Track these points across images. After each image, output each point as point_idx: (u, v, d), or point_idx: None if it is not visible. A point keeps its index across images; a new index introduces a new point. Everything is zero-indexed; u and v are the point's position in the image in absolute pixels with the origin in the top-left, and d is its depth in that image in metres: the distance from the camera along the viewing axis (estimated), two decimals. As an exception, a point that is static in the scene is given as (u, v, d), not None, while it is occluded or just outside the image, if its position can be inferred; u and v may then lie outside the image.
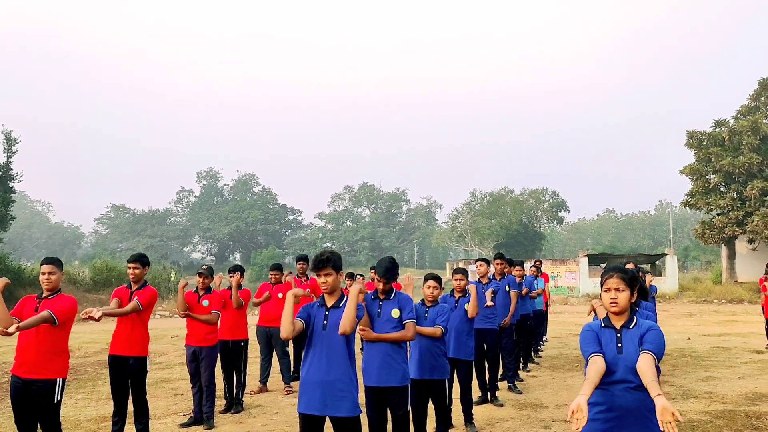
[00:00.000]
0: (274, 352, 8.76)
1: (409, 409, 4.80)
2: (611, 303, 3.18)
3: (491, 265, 8.45)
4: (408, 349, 4.98)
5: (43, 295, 4.83)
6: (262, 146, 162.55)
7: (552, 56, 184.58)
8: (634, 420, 3.06)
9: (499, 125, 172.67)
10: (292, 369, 8.99)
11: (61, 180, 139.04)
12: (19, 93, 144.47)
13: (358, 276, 13.67)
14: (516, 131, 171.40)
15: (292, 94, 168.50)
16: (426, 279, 5.58)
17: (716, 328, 17.01)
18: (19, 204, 41.32)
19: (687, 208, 35.87)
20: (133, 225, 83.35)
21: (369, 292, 4.93)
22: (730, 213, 31.12)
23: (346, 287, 8.83)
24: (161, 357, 12.55)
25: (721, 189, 32.61)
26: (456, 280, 6.59)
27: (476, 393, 7.37)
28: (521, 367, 9.88)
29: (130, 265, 5.94)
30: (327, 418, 3.93)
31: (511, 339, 8.65)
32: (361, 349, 4.89)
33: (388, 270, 4.73)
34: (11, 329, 4.35)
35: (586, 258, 34.41)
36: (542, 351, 12.27)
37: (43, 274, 4.85)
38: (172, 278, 33.58)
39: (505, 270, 8.92)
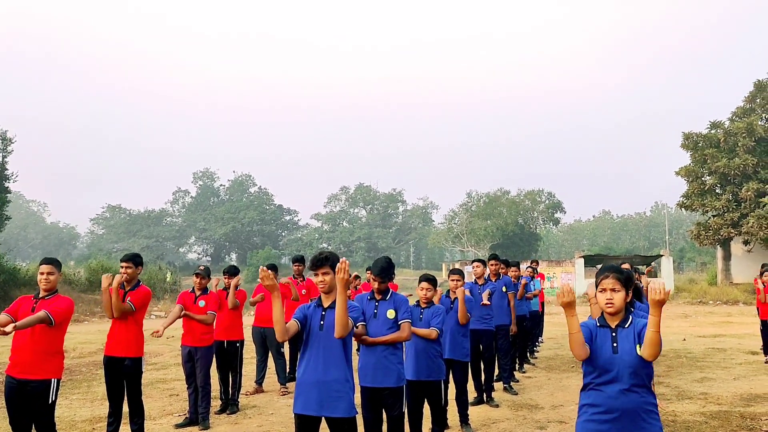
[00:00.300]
0: (270, 353, 8.76)
1: (405, 410, 4.81)
2: (607, 303, 3.20)
3: (487, 266, 8.46)
4: (404, 349, 4.99)
5: (40, 296, 4.82)
6: (261, 146, 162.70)
7: (552, 56, 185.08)
8: (629, 421, 3.07)
9: (499, 125, 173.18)
10: (287, 370, 8.98)
11: (57, 180, 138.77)
12: (16, 93, 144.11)
13: (355, 277, 13.64)
14: (515, 131, 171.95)
15: (291, 94, 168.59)
16: (420, 280, 5.58)
17: (711, 329, 17.06)
18: (14, 204, 41.19)
19: (682, 209, 35.95)
20: (128, 225, 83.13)
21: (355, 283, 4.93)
22: (726, 214, 31.20)
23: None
24: (157, 357, 12.53)
25: (717, 190, 32.68)
26: (453, 280, 6.59)
27: (472, 394, 7.38)
28: (517, 368, 9.90)
29: (123, 264, 5.91)
30: (323, 418, 3.93)
31: (507, 340, 8.66)
32: (357, 350, 4.89)
33: (384, 270, 4.75)
34: (8, 328, 4.34)
35: (582, 259, 34.46)
36: (538, 352, 12.29)
37: (42, 274, 4.84)
38: (168, 279, 33.51)
39: (501, 271, 8.94)
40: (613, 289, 3.18)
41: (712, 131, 33.13)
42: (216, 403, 7.56)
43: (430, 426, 5.66)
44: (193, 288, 7.08)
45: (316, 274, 4.03)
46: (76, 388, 9.35)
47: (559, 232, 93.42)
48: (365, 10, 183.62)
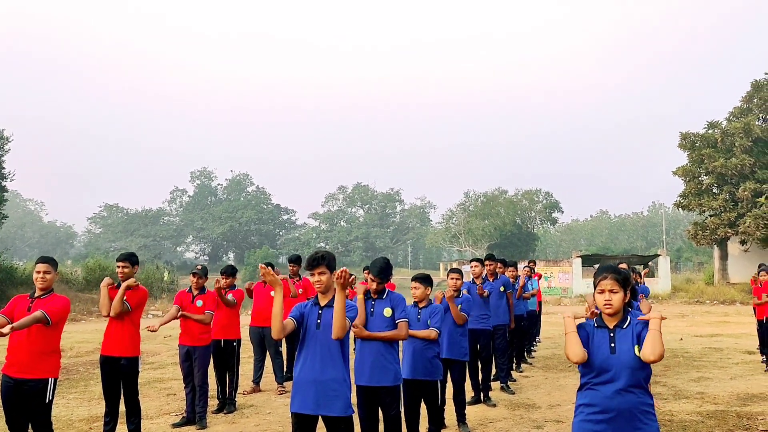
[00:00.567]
0: (267, 352, 8.75)
1: (402, 408, 4.80)
2: (606, 304, 3.20)
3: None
4: (401, 348, 4.98)
5: (36, 295, 4.80)
6: (259, 146, 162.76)
7: (552, 56, 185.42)
8: (625, 422, 3.07)
9: (498, 125, 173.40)
10: (284, 369, 8.97)
11: (54, 179, 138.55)
12: (14, 92, 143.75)
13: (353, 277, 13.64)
14: (514, 131, 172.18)
15: (291, 94, 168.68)
16: (412, 280, 5.55)
17: (708, 328, 17.09)
18: (11, 203, 41.12)
19: (680, 209, 36.01)
20: (126, 224, 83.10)
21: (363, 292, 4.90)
22: (723, 214, 31.26)
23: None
24: (154, 357, 12.50)
25: (714, 190, 32.74)
26: (452, 279, 6.59)
27: (469, 393, 7.39)
28: (514, 368, 9.91)
29: (120, 263, 5.90)
30: (320, 417, 3.93)
31: (505, 339, 8.67)
32: (354, 348, 4.89)
33: (382, 270, 4.76)
34: (5, 329, 4.32)
35: (579, 259, 34.51)
36: (535, 351, 12.30)
37: (38, 272, 4.82)
38: (165, 278, 33.45)
39: (498, 270, 8.94)
40: (611, 290, 3.18)
41: (710, 131, 33.19)
42: (213, 403, 7.55)
43: (427, 425, 5.67)
44: (191, 287, 7.07)
45: (312, 274, 4.03)
46: (73, 387, 9.33)
47: (556, 231, 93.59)
48: (365, 10, 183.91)
